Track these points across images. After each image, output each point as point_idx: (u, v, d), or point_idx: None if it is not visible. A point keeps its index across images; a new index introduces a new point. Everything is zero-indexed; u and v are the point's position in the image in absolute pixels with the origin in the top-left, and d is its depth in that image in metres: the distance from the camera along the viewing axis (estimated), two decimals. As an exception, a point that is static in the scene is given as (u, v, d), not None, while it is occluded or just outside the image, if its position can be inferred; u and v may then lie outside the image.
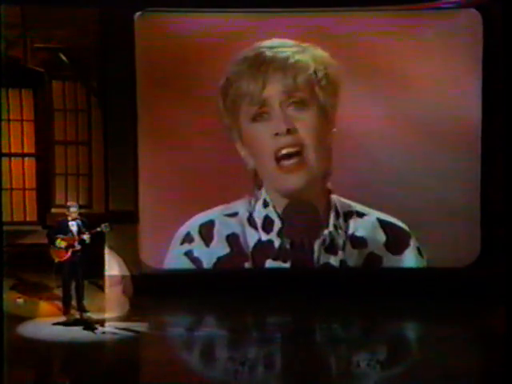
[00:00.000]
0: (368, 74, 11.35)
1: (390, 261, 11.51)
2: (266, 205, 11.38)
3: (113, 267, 11.82)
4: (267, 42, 11.18)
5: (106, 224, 10.32)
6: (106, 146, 12.23)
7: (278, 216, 11.37)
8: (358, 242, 11.48)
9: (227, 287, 11.17)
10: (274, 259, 11.47)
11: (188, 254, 11.50)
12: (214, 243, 11.46)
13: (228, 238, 11.45)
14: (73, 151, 13.54)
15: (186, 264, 11.51)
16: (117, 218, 11.40)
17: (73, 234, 10.24)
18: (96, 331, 9.79)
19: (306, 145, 11.00)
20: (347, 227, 11.43)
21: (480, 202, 11.59)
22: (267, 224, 11.41)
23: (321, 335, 10.21)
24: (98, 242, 10.80)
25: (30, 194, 13.60)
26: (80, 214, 10.43)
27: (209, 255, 11.51)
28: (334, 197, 11.36)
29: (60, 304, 10.54)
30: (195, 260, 11.52)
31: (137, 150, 11.69)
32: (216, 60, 11.20)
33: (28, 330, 9.79)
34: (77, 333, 9.71)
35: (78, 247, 10.20)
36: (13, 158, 13.46)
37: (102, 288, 11.77)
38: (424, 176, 11.47)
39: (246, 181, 11.31)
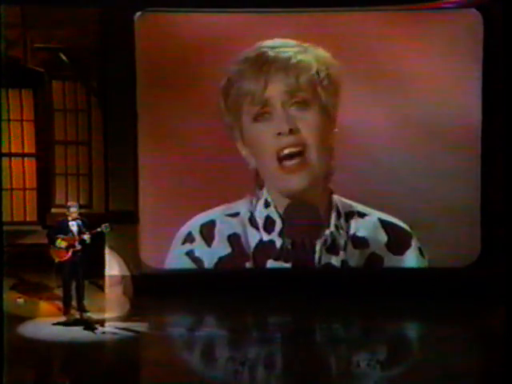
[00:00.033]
0: (368, 74, 11.35)
1: (391, 261, 11.50)
2: (267, 205, 11.38)
3: (113, 267, 11.82)
4: (269, 42, 11.18)
5: (107, 224, 10.32)
6: (105, 146, 12.23)
7: (280, 216, 11.37)
8: (359, 242, 11.48)
9: (228, 287, 11.17)
10: (276, 259, 11.47)
11: (189, 253, 11.50)
12: (215, 243, 11.46)
13: (229, 238, 11.45)
14: (73, 151, 13.54)
15: (187, 264, 11.51)
16: (117, 218, 11.40)
17: (73, 234, 10.23)
18: (96, 331, 9.79)
19: (308, 145, 11.00)
20: (348, 227, 11.43)
21: (480, 202, 11.59)
22: (268, 224, 11.40)
23: (322, 335, 10.21)
24: (99, 242, 10.80)
25: (30, 193, 13.60)
26: (80, 213, 10.42)
27: (210, 255, 11.51)
28: (335, 197, 11.36)
29: (60, 304, 10.54)
30: (196, 260, 11.53)
31: (137, 150, 11.69)
32: (216, 60, 11.20)
33: (28, 330, 9.79)
34: (77, 333, 9.71)
35: (78, 247, 10.19)
36: (13, 158, 13.46)
37: (102, 288, 11.77)
38: (424, 176, 11.47)
39: (247, 181, 11.31)
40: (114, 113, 11.95)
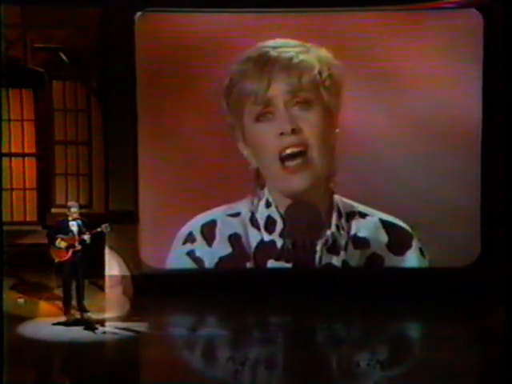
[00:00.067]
0: (368, 74, 11.34)
1: (392, 261, 11.50)
2: (268, 205, 11.38)
3: (113, 267, 11.83)
4: (271, 42, 11.18)
5: (107, 224, 10.32)
6: (105, 146, 12.24)
7: (281, 216, 11.37)
8: (360, 242, 11.48)
9: (229, 287, 11.17)
10: (276, 259, 11.47)
11: (190, 253, 11.50)
12: (216, 243, 11.46)
13: (230, 238, 11.45)
14: (73, 151, 13.53)
15: (187, 264, 11.51)
16: (117, 218, 11.41)
17: (73, 234, 10.23)
18: (96, 331, 9.79)
19: (311, 145, 11.00)
20: (349, 228, 11.43)
21: (480, 202, 11.59)
22: (269, 224, 11.40)
23: (322, 335, 10.20)
24: (99, 242, 10.80)
25: (30, 193, 13.60)
26: (80, 213, 10.42)
27: (211, 255, 11.51)
28: (336, 197, 11.36)
29: (60, 304, 10.54)
30: (197, 260, 11.53)
31: (137, 150, 11.69)
32: (216, 60, 11.19)
33: (28, 329, 9.79)
34: (77, 333, 9.71)
35: (78, 247, 10.19)
36: (13, 158, 13.46)
37: (102, 288, 11.78)
38: (424, 176, 11.47)
39: (248, 181, 11.30)
40: (113, 113, 11.96)
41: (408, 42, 11.46)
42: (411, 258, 11.52)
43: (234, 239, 11.45)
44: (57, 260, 10.30)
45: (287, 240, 11.41)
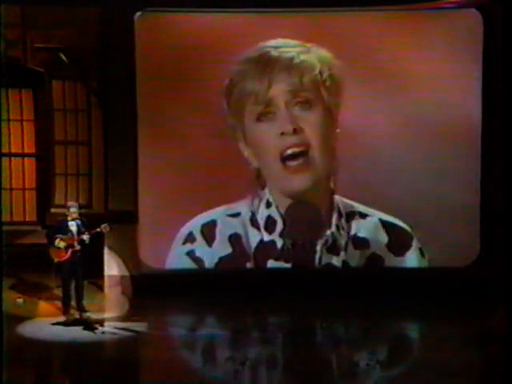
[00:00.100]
0: (368, 74, 11.34)
1: (391, 262, 11.49)
2: (268, 205, 11.37)
3: (112, 267, 11.82)
4: (271, 42, 11.18)
5: (106, 225, 10.31)
6: (105, 146, 12.23)
7: (281, 216, 11.37)
8: (360, 242, 11.47)
9: (228, 287, 11.17)
10: (276, 259, 11.46)
11: (190, 253, 11.50)
12: (216, 243, 11.45)
13: (230, 238, 11.44)
14: (73, 151, 13.53)
15: (187, 264, 11.50)
16: (116, 218, 11.40)
17: (72, 234, 10.23)
18: (96, 331, 9.78)
19: (312, 145, 11.00)
20: (349, 228, 11.42)
21: (480, 202, 11.58)
22: (270, 224, 11.40)
23: (322, 335, 10.20)
24: (98, 242, 10.80)
25: (30, 193, 13.60)
26: (80, 213, 10.41)
27: (211, 255, 11.50)
28: (336, 197, 11.36)
29: (60, 304, 10.54)
30: (197, 260, 11.52)
31: (137, 150, 11.69)
32: (216, 60, 11.19)
33: (28, 330, 9.78)
34: (76, 333, 9.71)
35: (77, 247, 10.19)
36: (13, 158, 13.45)
37: (101, 288, 11.77)
38: (424, 176, 11.47)
39: (248, 181, 11.29)
40: (113, 113, 11.95)
41: (408, 42, 11.46)
42: (411, 259, 11.51)
43: (234, 239, 11.45)
44: (56, 260, 10.30)
45: (287, 240, 11.40)
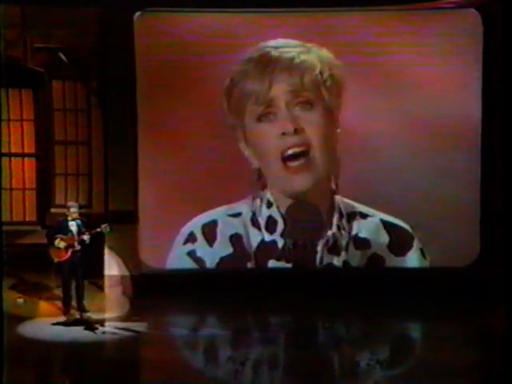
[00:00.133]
0: (368, 74, 11.35)
1: (392, 262, 11.48)
2: (269, 205, 11.37)
3: (113, 267, 11.82)
4: (272, 42, 11.17)
5: (106, 225, 10.30)
6: (105, 146, 12.23)
7: (282, 216, 11.36)
8: (361, 242, 11.47)
9: (229, 287, 11.16)
10: (277, 260, 11.46)
11: (191, 253, 11.50)
12: (217, 243, 11.45)
13: (231, 238, 11.44)
14: (73, 151, 13.53)
15: (188, 264, 11.50)
16: (117, 218, 11.40)
17: (72, 234, 10.23)
18: (96, 331, 9.78)
19: (313, 145, 10.98)
20: (350, 228, 11.41)
21: (480, 202, 11.59)
22: (270, 224, 11.40)
23: (323, 335, 10.21)
24: (98, 242, 10.80)
25: (30, 193, 13.59)
26: (80, 213, 10.41)
27: (212, 255, 11.50)
28: (337, 197, 11.35)
29: (60, 304, 10.54)
30: (198, 260, 11.52)
31: (137, 150, 11.68)
32: (216, 60, 11.18)
33: (28, 330, 9.78)
34: (77, 333, 9.71)
35: (77, 247, 10.18)
36: (13, 158, 13.45)
37: (101, 288, 11.77)
38: (424, 176, 11.47)
39: (249, 181, 11.29)
40: (114, 113, 11.95)
41: (408, 42, 11.46)
42: (412, 259, 11.51)
43: (235, 239, 11.45)
44: (56, 260, 10.29)
45: (288, 240, 11.40)
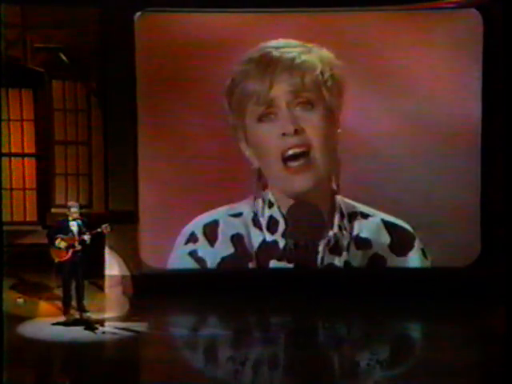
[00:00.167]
0: (369, 74, 11.35)
1: (394, 262, 11.48)
2: (270, 205, 11.37)
3: (113, 267, 11.82)
4: (273, 43, 11.16)
5: (107, 225, 10.29)
6: (105, 146, 12.23)
7: (283, 216, 11.36)
8: (362, 243, 11.47)
9: (230, 287, 11.16)
10: (279, 260, 11.46)
11: (192, 253, 11.49)
12: (218, 243, 11.45)
13: (232, 238, 11.44)
14: (73, 151, 13.53)
15: (190, 264, 11.49)
16: (117, 217, 11.40)
17: (73, 234, 10.23)
18: (96, 331, 9.79)
19: (313, 145, 10.98)
20: (352, 228, 11.41)
21: (480, 202, 11.59)
22: (272, 224, 11.40)
23: (324, 335, 10.21)
24: (99, 242, 10.80)
25: (30, 193, 13.59)
26: (80, 213, 10.41)
27: (213, 255, 11.50)
28: (338, 198, 11.35)
29: (60, 304, 10.54)
30: (199, 260, 11.52)
31: (137, 150, 11.68)
32: (217, 60, 11.18)
33: (28, 330, 9.78)
34: (77, 333, 9.71)
35: (78, 247, 10.18)
36: (13, 158, 13.45)
37: (102, 288, 11.77)
38: (425, 176, 11.47)
39: (250, 181, 11.29)
40: (113, 113, 11.95)
41: (408, 42, 11.46)
42: (413, 259, 11.51)
43: (237, 239, 11.45)
44: (57, 260, 10.29)
45: (289, 240, 11.40)
